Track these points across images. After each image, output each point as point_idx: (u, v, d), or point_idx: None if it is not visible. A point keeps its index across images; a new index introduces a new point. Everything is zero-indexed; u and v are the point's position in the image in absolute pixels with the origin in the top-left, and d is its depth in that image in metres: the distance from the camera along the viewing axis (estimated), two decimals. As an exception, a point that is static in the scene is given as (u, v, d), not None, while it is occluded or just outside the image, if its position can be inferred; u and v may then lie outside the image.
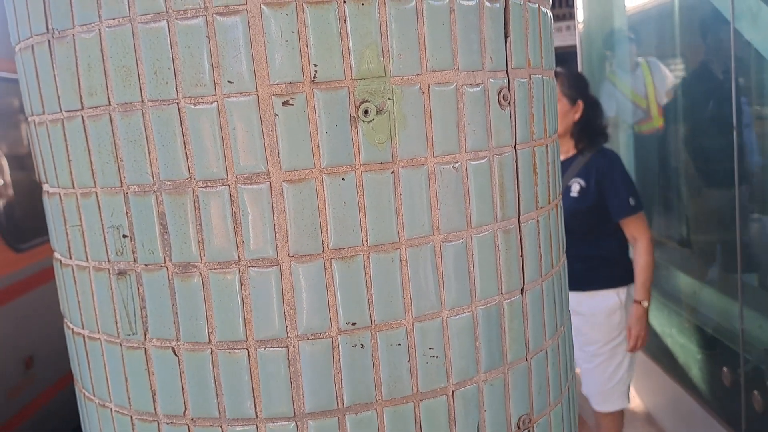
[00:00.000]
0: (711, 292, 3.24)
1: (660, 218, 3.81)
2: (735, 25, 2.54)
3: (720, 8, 2.72)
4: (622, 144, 4.16)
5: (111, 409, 0.71)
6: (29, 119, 0.74)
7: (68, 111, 0.65)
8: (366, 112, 0.60)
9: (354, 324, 0.63)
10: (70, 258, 0.71)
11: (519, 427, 0.73)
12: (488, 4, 0.66)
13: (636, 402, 3.68)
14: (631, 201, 2.38)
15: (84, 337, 0.72)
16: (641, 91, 3.72)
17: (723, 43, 2.79)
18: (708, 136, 3.20)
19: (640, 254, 2.42)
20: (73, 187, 0.67)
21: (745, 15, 2.54)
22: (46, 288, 3.19)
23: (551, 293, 0.78)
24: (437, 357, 0.66)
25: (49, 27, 0.64)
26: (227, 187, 0.60)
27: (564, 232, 0.87)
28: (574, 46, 4.80)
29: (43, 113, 0.69)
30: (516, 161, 0.71)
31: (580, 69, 4.71)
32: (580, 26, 4.67)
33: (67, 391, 3.45)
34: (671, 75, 3.52)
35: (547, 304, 0.77)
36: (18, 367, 3.00)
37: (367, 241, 0.62)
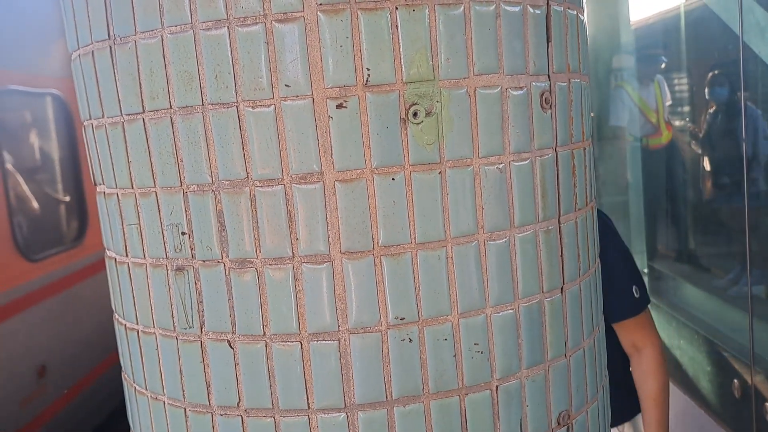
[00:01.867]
0: (720, 304, 3.22)
1: (669, 230, 3.80)
2: (744, 38, 2.53)
3: (728, 22, 2.72)
4: (629, 154, 4.16)
5: (164, 402, 0.73)
6: (85, 123, 0.77)
7: (129, 114, 0.68)
8: (415, 114, 0.63)
9: (402, 319, 0.65)
10: (126, 256, 0.74)
11: (559, 423, 0.74)
12: (531, 10, 0.69)
13: (657, 411, 3.66)
14: (635, 291, 1.57)
15: (138, 332, 0.75)
16: (652, 106, 3.72)
17: (731, 56, 2.78)
18: (717, 148, 3.19)
19: (648, 372, 1.57)
20: (132, 187, 0.70)
21: (753, 29, 2.53)
22: (59, 298, 3.23)
23: (588, 293, 0.80)
24: (482, 352, 0.68)
25: (111, 33, 0.67)
26: (282, 186, 0.63)
27: (598, 233, 0.89)
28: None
29: (102, 116, 0.72)
30: (557, 163, 0.73)
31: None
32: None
33: (78, 399, 3.48)
34: (679, 90, 3.54)
35: (584, 304, 0.79)
36: (31, 376, 3.03)
37: (415, 238, 0.65)
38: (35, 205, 3.34)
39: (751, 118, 2.59)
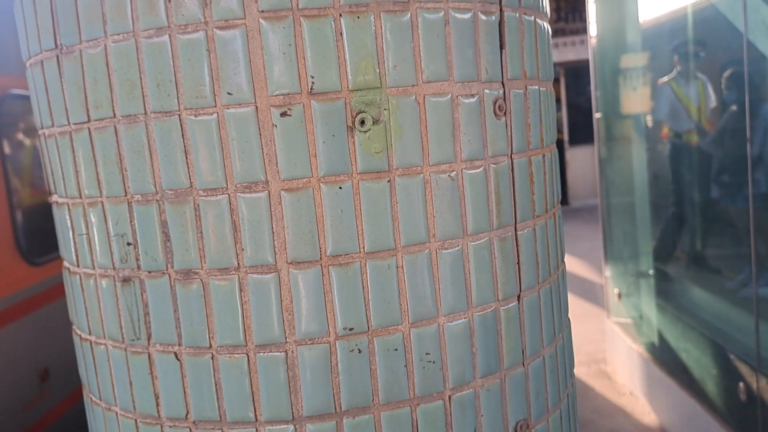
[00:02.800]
0: (727, 306, 3.22)
1: (675, 232, 3.79)
2: (748, 36, 2.54)
3: (732, 20, 2.73)
4: (635, 155, 4.15)
5: (116, 413, 0.72)
6: (39, 132, 0.77)
7: (75, 123, 0.67)
8: (362, 122, 0.62)
9: (351, 329, 0.64)
10: (78, 266, 0.73)
11: (517, 434, 0.73)
12: (483, 17, 0.68)
13: (652, 417, 3.65)
14: None
15: (91, 342, 0.74)
16: (695, 104, 3.69)
17: (736, 54, 2.78)
18: (721, 147, 3.19)
19: None
20: (81, 197, 0.69)
21: (758, 26, 2.54)
22: (62, 302, 3.24)
23: (549, 301, 0.79)
24: (434, 362, 0.67)
25: (58, 43, 0.67)
26: (227, 195, 0.62)
27: (563, 240, 0.88)
28: (587, 60, 4.81)
29: (52, 126, 0.71)
30: (512, 170, 0.72)
31: (593, 82, 4.71)
32: (593, 40, 4.69)
33: (81, 402, 3.48)
34: (716, 91, 3.52)
35: (544, 312, 0.78)
36: (34, 379, 3.04)
37: (364, 248, 0.64)
38: (37, 208, 3.34)
39: (764, 119, 2.58)
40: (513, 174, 0.72)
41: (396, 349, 0.66)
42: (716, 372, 3.10)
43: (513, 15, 0.72)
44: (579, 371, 4.35)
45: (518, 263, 0.73)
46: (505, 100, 0.71)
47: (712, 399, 3.09)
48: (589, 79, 4.87)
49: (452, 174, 0.67)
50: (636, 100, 4.28)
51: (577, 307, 5.43)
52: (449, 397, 0.68)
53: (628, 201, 4.40)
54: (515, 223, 0.73)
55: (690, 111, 3.77)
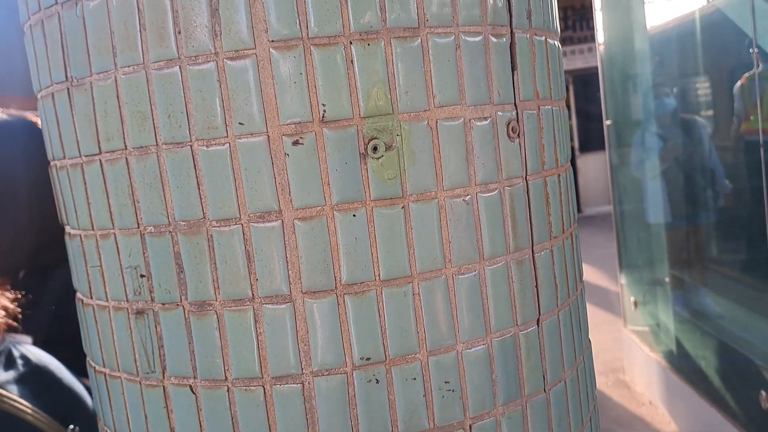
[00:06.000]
0: (746, 312, 3.17)
1: (691, 238, 3.75)
2: (758, 41, 2.52)
3: (741, 25, 2.71)
4: (648, 161, 4.12)
5: (132, 447, 0.72)
6: (51, 164, 0.76)
7: (87, 155, 0.67)
8: (375, 148, 0.61)
9: (368, 359, 0.63)
10: (91, 298, 0.72)
11: (539, 461, 0.72)
12: (494, 40, 0.67)
13: (672, 427, 3.59)
14: None
15: (105, 375, 0.73)
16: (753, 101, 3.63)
17: (744, 60, 2.76)
18: (733, 151, 3.15)
19: None
20: (93, 229, 0.69)
21: (767, 31, 2.52)
22: None
23: (569, 323, 0.78)
24: (453, 390, 0.66)
25: (68, 75, 0.67)
26: (240, 225, 0.61)
27: (581, 259, 0.86)
28: (596, 68, 4.80)
29: (64, 158, 0.71)
30: (527, 192, 0.71)
31: (602, 89, 4.70)
32: (601, 48, 4.68)
33: None
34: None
35: (564, 335, 0.76)
36: None
37: (379, 275, 0.63)
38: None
39: None
40: (528, 196, 0.71)
41: (414, 378, 0.64)
42: (737, 380, 3.06)
43: (523, 36, 0.71)
44: (597, 381, 4.31)
45: (536, 286, 0.72)
46: (518, 121, 0.70)
47: (733, 408, 3.04)
48: (598, 86, 4.86)
49: (467, 198, 0.66)
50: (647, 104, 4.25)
51: (592, 315, 5.39)
52: (470, 426, 0.67)
53: (641, 207, 4.36)
54: (532, 246, 0.72)
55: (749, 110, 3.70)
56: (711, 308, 3.57)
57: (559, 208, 0.76)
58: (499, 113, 0.68)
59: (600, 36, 4.65)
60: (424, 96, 0.63)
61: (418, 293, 0.64)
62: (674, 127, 3.81)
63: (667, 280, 4.02)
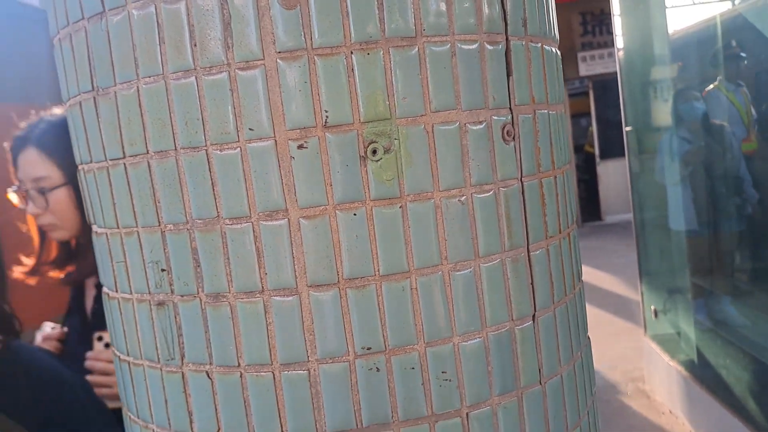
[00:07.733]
0: (766, 321, 3.14)
1: (714, 246, 3.73)
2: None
3: (763, 30, 2.71)
4: (668, 168, 4.10)
5: (153, 430, 0.77)
6: (79, 168, 0.82)
7: (112, 159, 0.73)
8: (374, 152, 0.66)
9: (369, 349, 0.67)
10: (116, 291, 0.78)
11: (535, 449, 0.75)
12: (489, 47, 0.71)
13: (692, 435, 3.56)
14: None
15: (129, 363, 0.79)
16: (745, 110, 3.62)
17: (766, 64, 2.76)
18: (754, 158, 3.14)
19: None
20: (118, 227, 0.74)
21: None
22: None
23: (565, 320, 0.81)
24: (450, 380, 0.70)
25: (95, 85, 0.72)
26: (250, 224, 0.66)
27: (580, 259, 0.90)
28: (616, 73, 4.80)
29: (91, 162, 0.77)
30: (522, 193, 0.75)
31: (621, 95, 4.69)
32: (620, 53, 4.68)
33: None
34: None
35: (561, 331, 0.80)
36: None
37: (378, 271, 0.67)
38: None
39: None
40: (523, 196, 0.75)
41: (413, 368, 0.69)
42: (760, 390, 3.03)
43: (519, 43, 0.75)
44: (616, 390, 4.28)
45: (532, 283, 0.76)
46: (513, 125, 0.74)
47: (755, 417, 3.01)
48: (618, 92, 4.84)
49: (462, 198, 0.70)
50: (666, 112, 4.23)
51: (612, 324, 5.35)
52: (467, 414, 0.71)
53: (661, 215, 4.33)
54: (527, 245, 0.75)
55: (742, 117, 3.69)
56: (733, 317, 3.54)
57: (555, 209, 0.80)
58: (494, 117, 0.72)
59: (619, 41, 4.66)
60: (420, 101, 0.67)
61: (416, 288, 0.69)
62: (703, 132, 3.79)
63: (688, 288, 4.00)
